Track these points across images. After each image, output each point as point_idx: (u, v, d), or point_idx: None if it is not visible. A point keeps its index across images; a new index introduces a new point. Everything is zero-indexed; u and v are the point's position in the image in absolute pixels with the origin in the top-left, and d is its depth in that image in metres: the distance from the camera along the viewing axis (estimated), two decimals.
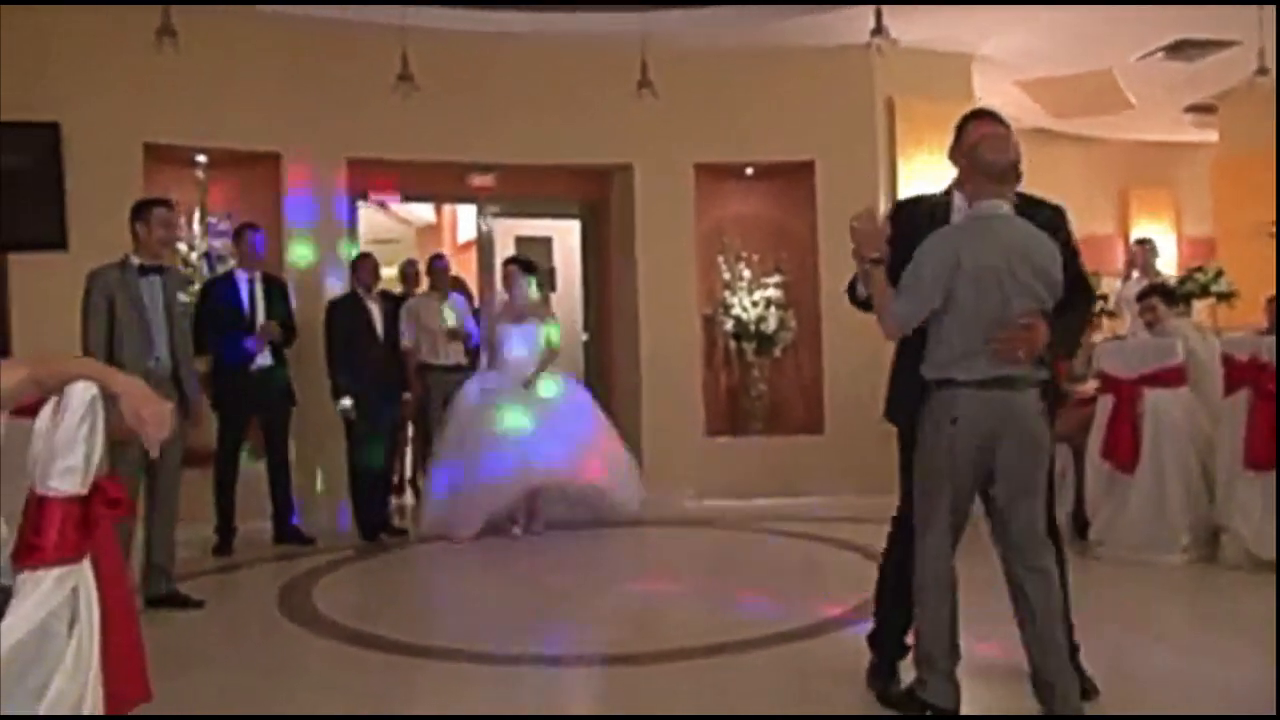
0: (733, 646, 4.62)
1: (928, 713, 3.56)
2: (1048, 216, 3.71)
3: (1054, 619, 3.51)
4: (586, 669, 4.53)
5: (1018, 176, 3.55)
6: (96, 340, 5.23)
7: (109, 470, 4.79)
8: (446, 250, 12.39)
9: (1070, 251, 3.68)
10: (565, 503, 7.44)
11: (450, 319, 7.92)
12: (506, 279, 7.63)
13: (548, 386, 7.42)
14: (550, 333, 7.51)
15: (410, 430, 8.65)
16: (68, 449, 2.23)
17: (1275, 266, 8.47)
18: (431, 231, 13.41)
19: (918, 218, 3.74)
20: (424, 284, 8.42)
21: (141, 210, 5.47)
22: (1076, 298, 3.62)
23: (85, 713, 2.23)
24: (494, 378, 7.40)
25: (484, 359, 7.61)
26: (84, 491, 2.26)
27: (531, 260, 7.92)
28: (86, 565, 2.27)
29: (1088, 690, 3.74)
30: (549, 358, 7.48)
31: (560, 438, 7.21)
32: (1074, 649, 3.80)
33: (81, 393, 2.25)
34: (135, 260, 5.41)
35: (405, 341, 7.88)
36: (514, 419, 7.18)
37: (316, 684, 4.36)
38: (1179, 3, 7.84)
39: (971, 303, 3.42)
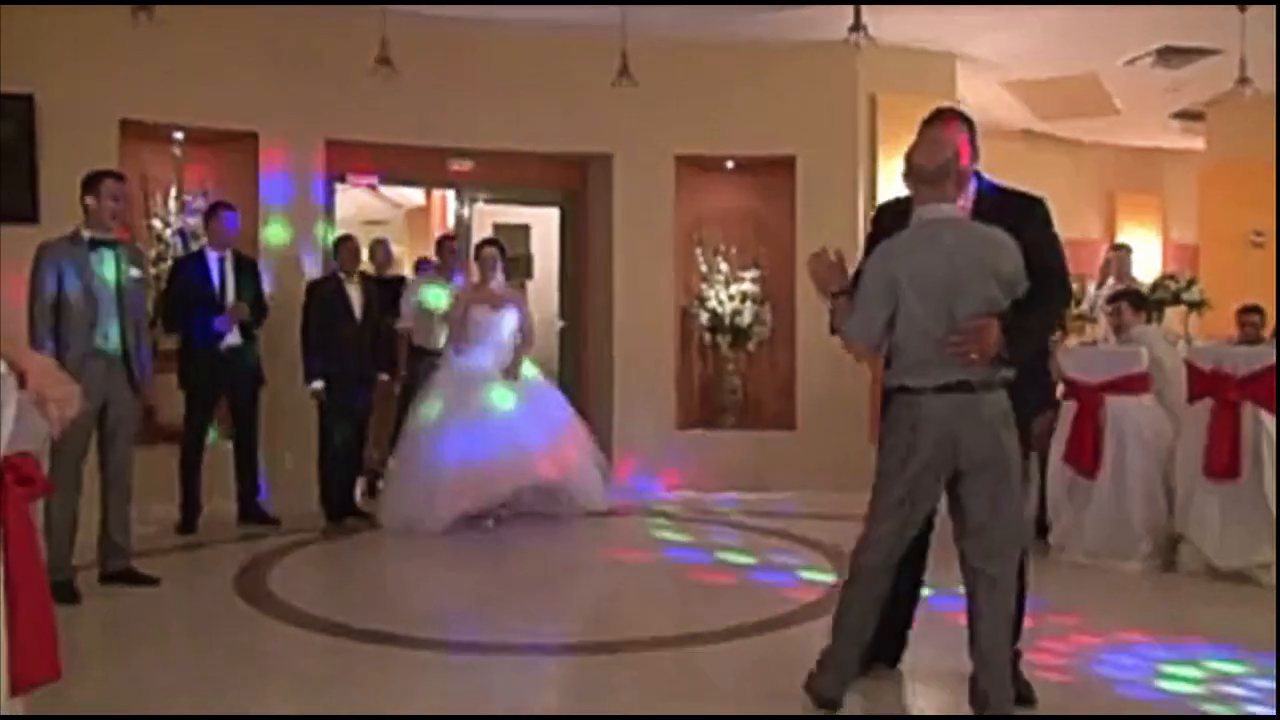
0: (687, 639, 4.65)
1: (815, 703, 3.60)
2: (1020, 209, 3.70)
3: (1001, 629, 3.51)
4: (537, 658, 4.51)
5: (957, 178, 3.54)
6: (42, 314, 5.12)
7: (52, 446, 4.81)
8: (434, 234, 12.38)
9: (1045, 244, 3.66)
10: (537, 496, 7.26)
11: (444, 302, 7.75)
12: (485, 262, 7.39)
13: (525, 374, 7.29)
14: (527, 319, 7.39)
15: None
16: None
17: (1276, 272, 8.45)
18: (420, 214, 13.36)
19: (890, 222, 3.77)
20: (404, 266, 8.36)
21: (92, 182, 5.30)
22: (1044, 292, 3.56)
23: None
24: (467, 367, 7.16)
25: (450, 344, 7.35)
26: None
27: (503, 243, 7.84)
28: None
29: (1025, 697, 3.74)
30: (528, 345, 7.34)
31: (540, 431, 7.06)
32: (1016, 655, 3.81)
33: None
34: (86, 234, 5.28)
35: (402, 322, 7.87)
36: (494, 410, 6.98)
37: (260, 665, 4.34)
38: (1157, 2, 7.81)
39: (916, 312, 3.45)
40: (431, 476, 6.87)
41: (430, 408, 7.12)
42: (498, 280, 7.36)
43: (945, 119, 3.73)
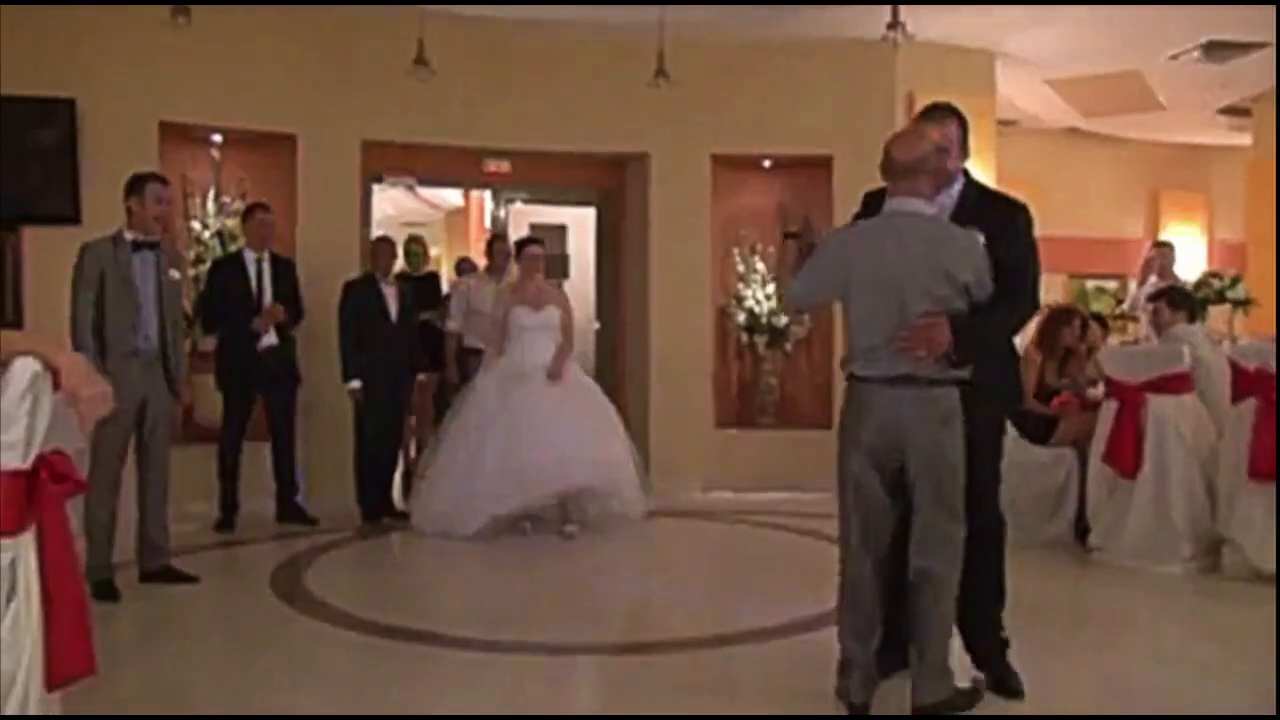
0: (721, 640, 4.63)
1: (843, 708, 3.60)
2: (1002, 212, 3.72)
3: (939, 627, 3.48)
4: (570, 659, 4.50)
5: (933, 174, 3.54)
6: (84, 314, 5.19)
7: (92, 446, 4.88)
8: (473, 235, 12.45)
9: (1021, 252, 3.67)
10: (576, 502, 7.03)
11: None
12: (527, 261, 7.18)
13: (570, 377, 7.14)
14: (569, 319, 7.24)
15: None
16: (9, 424, 2.23)
17: (1276, 272, 8.32)
18: (459, 216, 13.45)
19: (876, 208, 3.79)
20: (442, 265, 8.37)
21: (136, 185, 5.38)
22: (1008, 299, 3.58)
23: (20, 684, 2.26)
24: (510, 368, 7.03)
25: (492, 346, 7.23)
26: (26, 466, 2.28)
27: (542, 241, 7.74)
28: (28, 538, 2.29)
29: (1014, 689, 3.74)
30: (569, 346, 7.23)
31: (581, 435, 6.87)
32: (1004, 643, 3.82)
33: (23, 368, 2.26)
34: (129, 235, 5.36)
35: (451, 324, 7.88)
36: (534, 413, 6.81)
37: (294, 663, 4.38)
38: (1196, 2, 7.71)
39: (865, 304, 3.51)
40: (467, 479, 6.80)
41: (470, 409, 7.04)
42: (539, 279, 7.26)
43: (940, 115, 3.75)
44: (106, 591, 5.10)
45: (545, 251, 7.42)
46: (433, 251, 10.67)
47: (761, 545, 6.97)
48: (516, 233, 8.94)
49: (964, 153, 3.77)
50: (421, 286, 8.26)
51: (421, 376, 7.73)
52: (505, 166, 9.04)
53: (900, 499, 3.55)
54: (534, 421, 6.76)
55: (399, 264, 8.14)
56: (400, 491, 8.06)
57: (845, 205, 8.56)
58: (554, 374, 6.97)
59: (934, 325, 3.40)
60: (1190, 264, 11.34)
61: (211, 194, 7.96)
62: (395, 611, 5.11)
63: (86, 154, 7.22)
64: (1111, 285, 11.74)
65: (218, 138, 8.00)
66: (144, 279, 5.35)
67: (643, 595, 5.72)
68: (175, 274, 5.57)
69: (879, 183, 3.76)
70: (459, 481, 6.84)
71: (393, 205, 11.99)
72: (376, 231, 8.57)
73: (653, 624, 5.05)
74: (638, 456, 7.42)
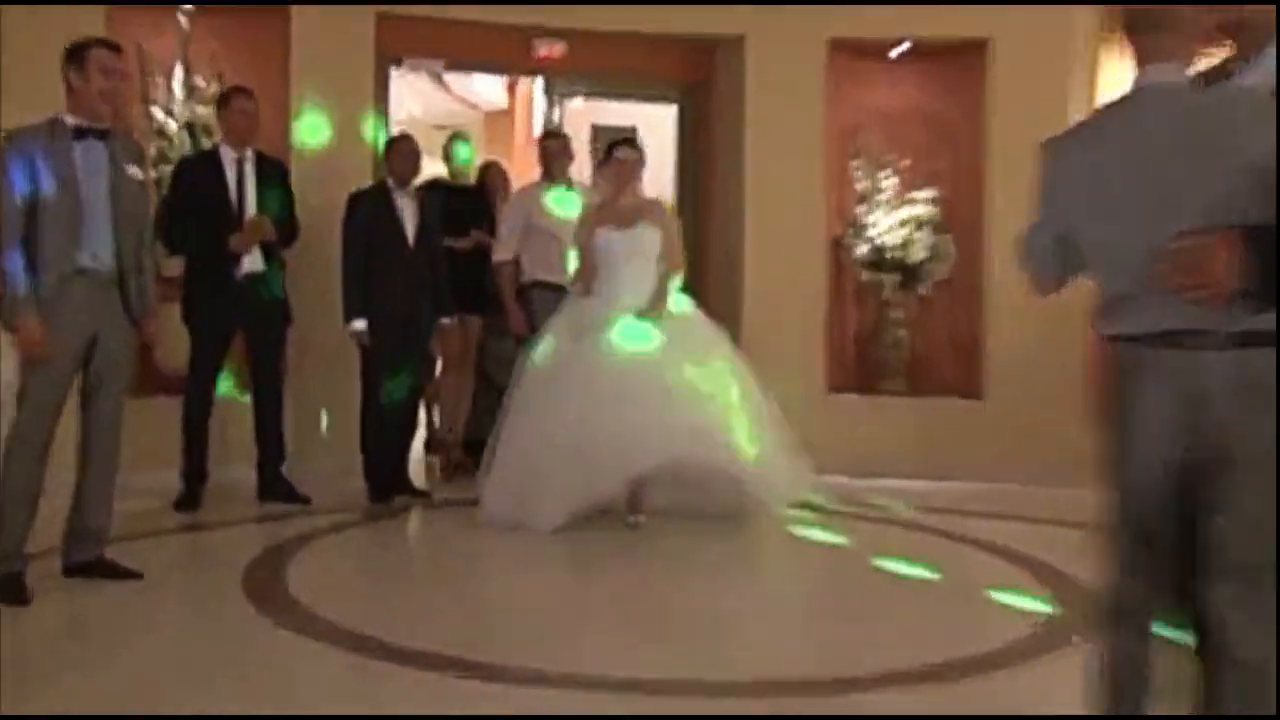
0: (837, 685, 4.27)
1: None
2: None
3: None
4: (625, 698, 4.11)
5: (1186, 27, 2.97)
6: (11, 224, 4.87)
7: (18, 394, 4.66)
8: (519, 142, 12.37)
9: None
10: (686, 487, 6.69)
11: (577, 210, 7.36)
12: (620, 168, 6.88)
13: (675, 312, 6.81)
14: (669, 235, 6.86)
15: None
16: None
17: None
18: (503, 119, 13.50)
19: None
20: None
21: (76, 53, 5.08)
22: None
23: None
24: (590, 311, 6.73)
25: (578, 283, 6.92)
26: None
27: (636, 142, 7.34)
28: None
29: None
30: (670, 278, 6.85)
31: (685, 401, 6.48)
32: None
33: None
34: (69, 120, 5.05)
35: (500, 254, 7.71)
36: (620, 368, 6.49)
37: (260, 693, 4.03)
38: None
39: (1102, 233, 2.95)
40: (533, 465, 6.50)
41: (538, 366, 6.73)
42: (635, 191, 6.91)
43: None
44: (15, 591, 4.83)
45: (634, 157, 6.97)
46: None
47: (892, 554, 6.51)
48: (575, 137, 8.66)
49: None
50: (459, 201, 8.05)
51: (446, 320, 7.48)
52: (560, 50, 8.86)
53: (1191, 519, 2.88)
54: (608, 387, 6.42)
55: (438, 169, 8.02)
56: (441, 468, 8.08)
57: (1003, 105, 8.37)
58: (650, 311, 6.69)
59: (1205, 246, 2.66)
60: None
61: (178, 74, 7.77)
62: (400, 625, 4.83)
63: (8, 17, 7.02)
64: None
65: (187, 6, 7.79)
66: (90, 177, 5.06)
67: (726, 616, 5.33)
68: (136, 171, 5.31)
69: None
70: (525, 467, 6.54)
71: (419, 102, 11.97)
72: (395, 131, 8.39)
73: (738, 656, 4.69)
74: (780, 425, 6.89)
